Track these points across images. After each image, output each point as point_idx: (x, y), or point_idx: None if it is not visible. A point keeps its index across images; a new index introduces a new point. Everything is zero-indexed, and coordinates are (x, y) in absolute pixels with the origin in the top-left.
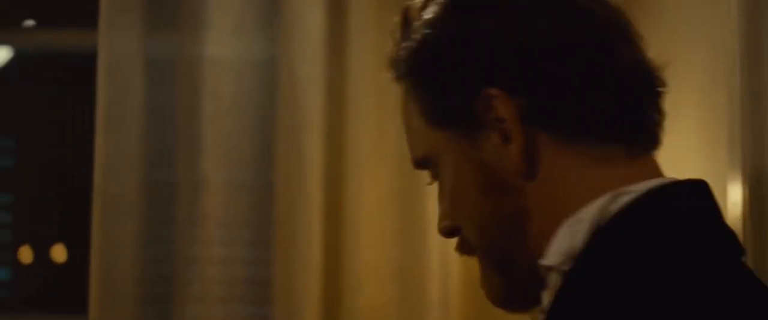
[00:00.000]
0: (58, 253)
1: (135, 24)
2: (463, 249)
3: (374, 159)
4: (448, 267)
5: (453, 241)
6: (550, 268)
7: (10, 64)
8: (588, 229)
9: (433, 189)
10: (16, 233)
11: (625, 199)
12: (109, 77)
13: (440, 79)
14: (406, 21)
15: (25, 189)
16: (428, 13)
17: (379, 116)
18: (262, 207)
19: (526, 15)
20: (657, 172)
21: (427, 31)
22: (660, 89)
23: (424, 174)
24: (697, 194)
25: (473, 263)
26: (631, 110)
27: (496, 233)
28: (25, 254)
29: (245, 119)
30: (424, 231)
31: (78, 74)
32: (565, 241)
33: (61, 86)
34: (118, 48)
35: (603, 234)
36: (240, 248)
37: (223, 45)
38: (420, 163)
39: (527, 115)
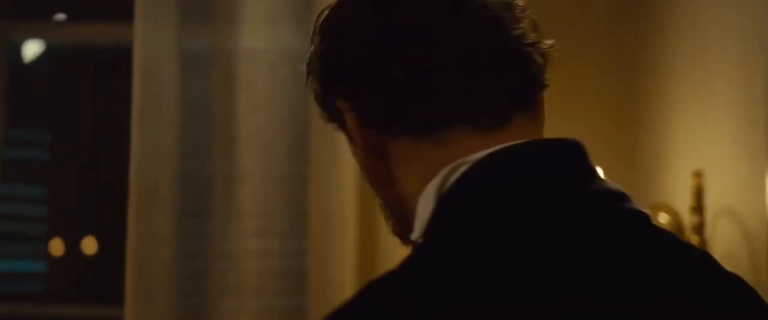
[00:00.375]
0: (92, 246)
1: (170, 17)
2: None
3: None
4: None
5: None
6: (415, 243)
7: (46, 57)
8: (433, 200)
9: None
10: (50, 226)
11: (463, 168)
12: (145, 70)
13: (317, 95)
14: None
15: (59, 182)
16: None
17: None
18: (297, 199)
19: (357, 37)
20: (510, 141)
21: (309, 58)
22: (509, 67)
23: None
24: (535, 154)
25: None
26: (467, 95)
27: (393, 219)
28: (59, 247)
29: (280, 111)
30: None
31: (113, 68)
32: (420, 216)
33: (96, 80)
34: (153, 41)
35: (443, 201)
36: (275, 240)
37: (257, 37)
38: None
39: (365, 121)
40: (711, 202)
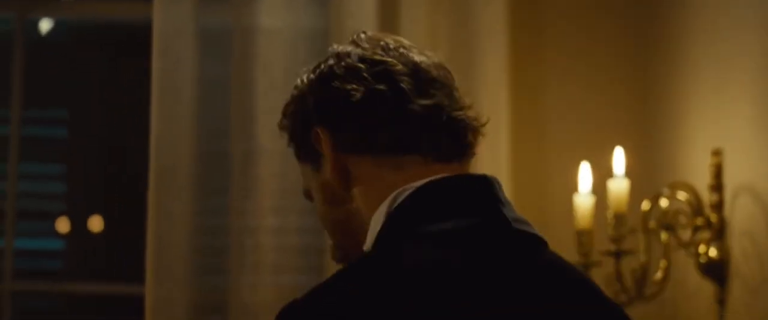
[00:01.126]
0: (111, 224)
1: None
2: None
3: None
4: None
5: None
6: (366, 252)
7: (64, 35)
8: (384, 216)
9: None
10: (69, 203)
11: (408, 192)
12: (163, 49)
13: (296, 127)
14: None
15: (78, 159)
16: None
17: None
18: None
19: (350, 87)
20: (450, 173)
21: (295, 98)
22: (457, 123)
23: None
24: (461, 185)
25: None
26: (422, 134)
27: (339, 236)
28: (79, 224)
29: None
30: None
31: (132, 46)
32: (372, 230)
33: (115, 58)
34: (172, 19)
35: (391, 218)
36: (293, 217)
37: (275, 16)
38: (305, 194)
39: (340, 146)
40: (730, 180)
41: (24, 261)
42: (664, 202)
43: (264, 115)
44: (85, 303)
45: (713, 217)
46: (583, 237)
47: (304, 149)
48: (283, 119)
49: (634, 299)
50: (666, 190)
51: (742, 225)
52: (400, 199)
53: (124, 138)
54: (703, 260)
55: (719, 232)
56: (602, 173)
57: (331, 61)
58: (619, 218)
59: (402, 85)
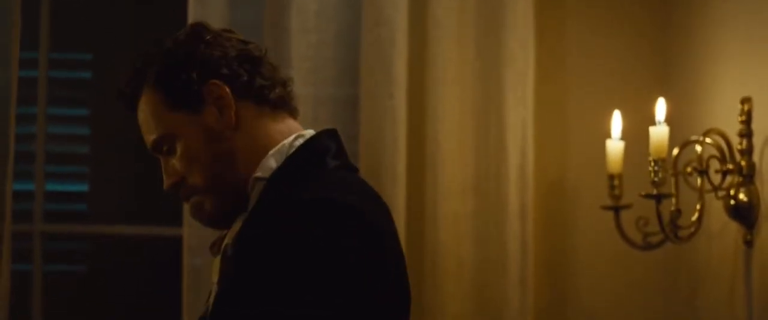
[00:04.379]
0: (141, 166)
1: None
2: (185, 194)
3: (455, 74)
4: (525, 178)
5: (531, 154)
6: (259, 179)
7: None
8: (283, 155)
9: None
10: (93, 146)
11: (300, 141)
12: None
13: (180, 78)
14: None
15: (102, 101)
16: (168, 42)
17: (460, 33)
18: (348, 121)
19: (221, 44)
20: (301, 127)
21: (170, 51)
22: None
23: (502, 86)
24: (329, 136)
25: (550, 175)
26: (281, 93)
27: (219, 168)
28: (104, 167)
29: (330, 34)
30: (503, 144)
31: None
32: (269, 163)
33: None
34: None
35: (291, 157)
36: None
37: None
38: (155, 144)
39: (235, 93)
40: (759, 127)
41: (53, 204)
42: (698, 148)
43: (297, 58)
44: (120, 244)
45: (743, 162)
46: (614, 181)
47: (187, 97)
48: (143, 72)
49: (668, 240)
50: (697, 137)
51: None
52: (297, 143)
53: None
54: (732, 203)
55: (749, 177)
56: (630, 120)
57: (202, 32)
58: (660, 163)
59: (264, 53)
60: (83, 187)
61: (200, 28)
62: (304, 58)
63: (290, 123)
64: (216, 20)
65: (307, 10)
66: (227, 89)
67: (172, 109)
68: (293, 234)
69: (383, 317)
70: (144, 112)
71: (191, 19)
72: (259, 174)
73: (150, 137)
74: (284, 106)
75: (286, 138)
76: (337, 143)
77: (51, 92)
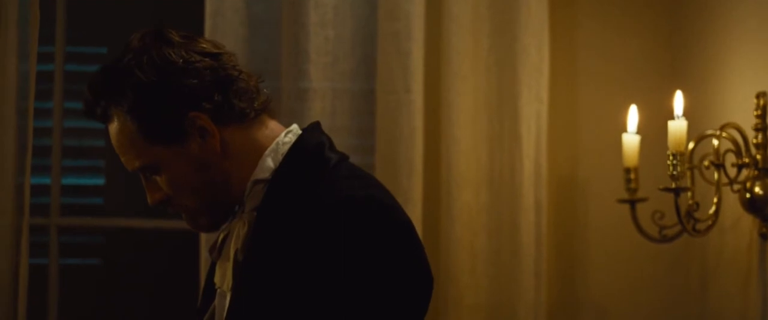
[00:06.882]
0: None
1: None
2: (175, 210)
3: (470, 68)
4: (540, 172)
5: (545, 147)
6: (258, 181)
7: None
8: (279, 153)
9: None
10: (109, 140)
11: (290, 137)
12: None
13: (157, 114)
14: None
15: None
16: (136, 68)
17: (475, 27)
18: (365, 114)
19: (194, 68)
20: (280, 124)
21: (141, 83)
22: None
23: (517, 80)
24: (317, 130)
25: (564, 168)
26: (260, 101)
27: (212, 191)
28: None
29: (347, 28)
30: (518, 137)
31: None
32: (266, 163)
33: None
34: None
35: (289, 155)
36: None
37: None
38: (136, 169)
39: (215, 121)
40: None
41: (69, 198)
42: (715, 142)
43: (315, 52)
44: (136, 238)
45: (758, 156)
46: (630, 175)
47: (167, 130)
48: (111, 94)
49: (687, 233)
50: (714, 131)
51: None
52: (286, 139)
53: None
54: (748, 196)
55: (764, 170)
56: (643, 115)
57: (173, 57)
58: (678, 157)
59: (236, 67)
60: (99, 181)
61: (166, 48)
62: (321, 52)
63: (272, 124)
64: (233, 15)
65: (324, 5)
66: (208, 119)
67: (152, 142)
68: (336, 242)
69: (417, 306)
70: (118, 136)
71: (208, 12)
72: (258, 176)
73: (129, 162)
74: (263, 110)
75: (274, 138)
76: (326, 135)
77: (67, 86)
